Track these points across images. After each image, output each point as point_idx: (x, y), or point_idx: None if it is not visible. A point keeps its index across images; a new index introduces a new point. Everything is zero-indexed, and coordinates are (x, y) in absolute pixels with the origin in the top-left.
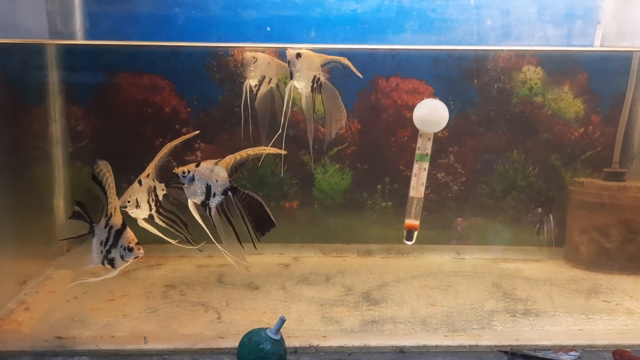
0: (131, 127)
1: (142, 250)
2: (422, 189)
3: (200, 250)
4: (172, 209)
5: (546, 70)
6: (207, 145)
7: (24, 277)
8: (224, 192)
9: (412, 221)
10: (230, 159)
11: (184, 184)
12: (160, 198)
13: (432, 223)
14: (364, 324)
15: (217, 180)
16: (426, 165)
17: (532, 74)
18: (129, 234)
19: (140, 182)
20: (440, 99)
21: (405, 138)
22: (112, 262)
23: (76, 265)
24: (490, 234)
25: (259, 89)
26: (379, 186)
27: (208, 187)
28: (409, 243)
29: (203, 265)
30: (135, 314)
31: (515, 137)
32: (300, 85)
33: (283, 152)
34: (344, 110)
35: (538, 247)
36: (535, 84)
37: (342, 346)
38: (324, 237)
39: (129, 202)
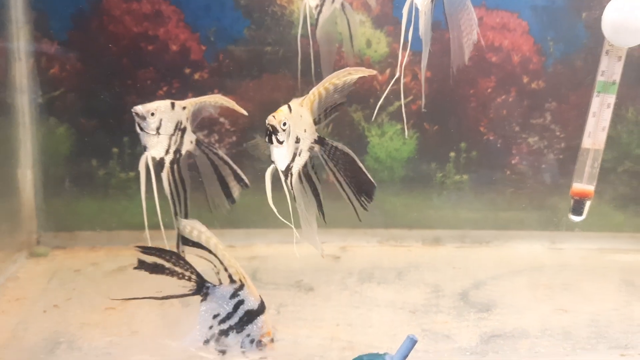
0: (124, 71)
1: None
2: (603, 136)
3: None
4: (186, 179)
5: None
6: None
7: None
8: (310, 147)
9: (584, 186)
10: (313, 96)
11: (280, 143)
12: (184, 151)
13: (519, 202)
14: (486, 340)
15: (305, 130)
16: (612, 99)
17: None
18: (267, 322)
19: (173, 105)
20: None
21: (489, 90)
22: (222, 350)
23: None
24: (594, 217)
25: (320, 11)
26: (452, 154)
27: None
28: (577, 219)
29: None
30: (149, 329)
31: (632, 91)
32: None
33: (373, 72)
34: (474, 15)
35: None
36: None
37: None
38: (378, 221)
39: (152, 115)
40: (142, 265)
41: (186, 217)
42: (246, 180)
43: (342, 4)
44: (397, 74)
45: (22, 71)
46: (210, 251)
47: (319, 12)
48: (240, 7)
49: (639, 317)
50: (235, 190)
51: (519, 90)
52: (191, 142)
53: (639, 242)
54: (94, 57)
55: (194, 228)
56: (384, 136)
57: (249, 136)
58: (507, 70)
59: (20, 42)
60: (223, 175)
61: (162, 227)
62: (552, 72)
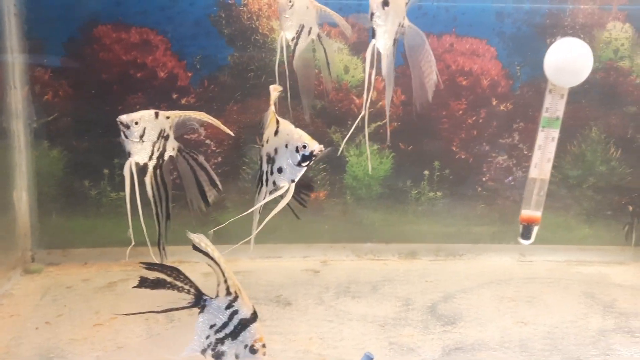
0: (115, 97)
1: (267, 357)
2: (549, 167)
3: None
4: (168, 183)
5: (636, 28)
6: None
7: None
8: None
9: (531, 212)
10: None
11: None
12: (166, 156)
13: (490, 218)
14: (448, 353)
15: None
16: (556, 133)
17: (619, 32)
18: (259, 329)
19: (157, 115)
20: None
21: (460, 112)
22: (218, 357)
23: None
24: (561, 231)
25: (297, 43)
26: (427, 172)
27: None
28: (526, 243)
29: (210, 272)
30: (133, 344)
31: (594, 111)
32: (383, 43)
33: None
34: (433, 58)
35: (620, 247)
36: (622, 45)
37: None
38: (357, 236)
39: (136, 123)
40: (142, 283)
41: (168, 218)
42: (220, 186)
43: (319, 35)
44: (362, 113)
45: (17, 98)
46: (215, 262)
47: (296, 44)
48: (225, 36)
49: (593, 329)
50: (211, 194)
51: (488, 111)
52: (173, 148)
53: (603, 255)
54: (85, 84)
55: (201, 240)
56: (362, 155)
57: (234, 157)
58: (477, 93)
59: (16, 70)
60: (200, 180)
61: (148, 241)
62: (520, 95)
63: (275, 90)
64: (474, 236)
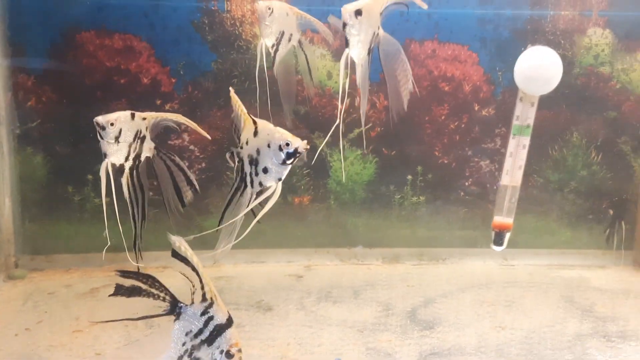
0: (98, 103)
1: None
2: (520, 174)
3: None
4: (144, 184)
5: (616, 34)
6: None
7: None
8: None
9: (503, 219)
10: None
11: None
12: (143, 157)
13: (473, 222)
14: (424, 358)
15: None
16: (527, 141)
17: (599, 38)
18: (234, 334)
19: (133, 116)
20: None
21: (442, 117)
22: None
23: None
24: (543, 235)
25: (277, 50)
26: (410, 177)
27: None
28: (498, 249)
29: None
30: (111, 350)
31: (575, 116)
32: (357, 52)
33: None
34: (409, 67)
35: (601, 251)
36: (602, 50)
37: None
38: (341, 240)
39: (112, 125)
40: (118, 290)
41: (144, 219)
42: (197, 186)
43: (299, 41)
44: (337, 121)
45: (0, 104)
46: (193, 267)
47: (276, 51)
48: (208, 42)
49: (570, 334)
50: (187, 195)
51: (470, 117)
52: (150, 149)
53: (584, 258)
54: (69, 90)
55: (181, 244)
56: (345, 161)
57: (218, 163)
58: (459, 98)
59: None
60: (177, 181)
61: (124, 245)
62: (501, 100)
63: (232, 92)
64: (457, 240)
